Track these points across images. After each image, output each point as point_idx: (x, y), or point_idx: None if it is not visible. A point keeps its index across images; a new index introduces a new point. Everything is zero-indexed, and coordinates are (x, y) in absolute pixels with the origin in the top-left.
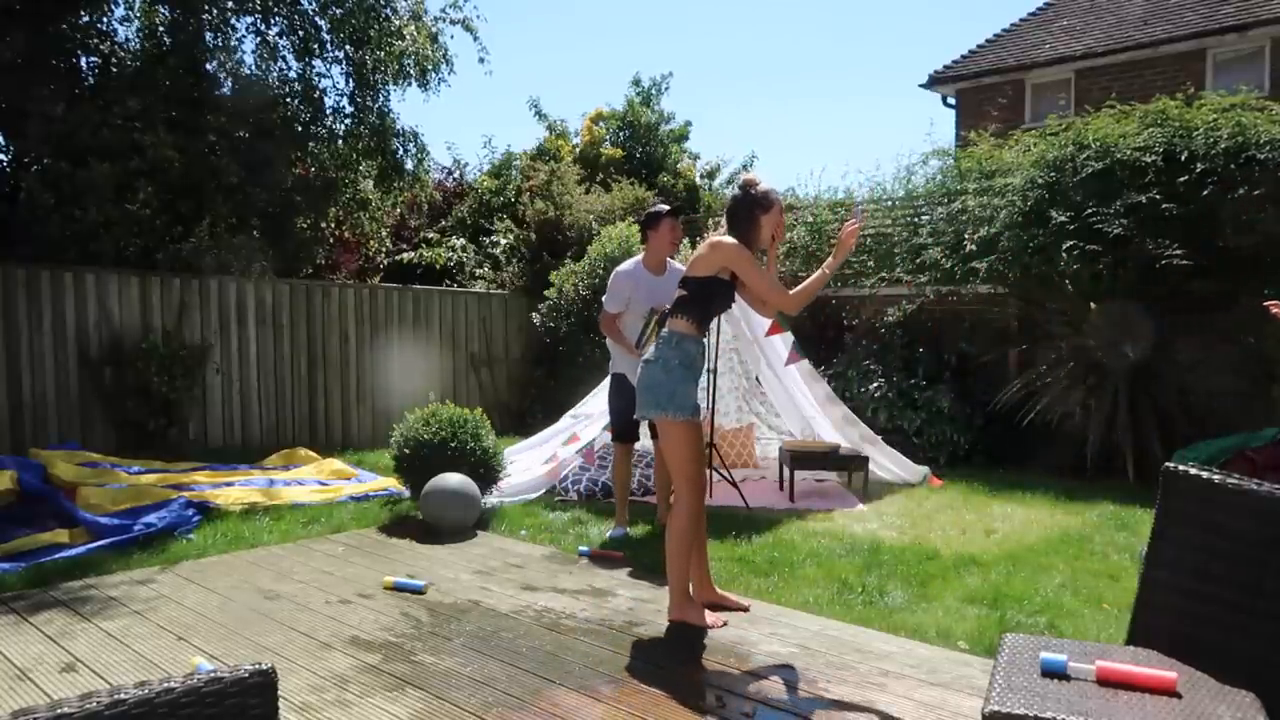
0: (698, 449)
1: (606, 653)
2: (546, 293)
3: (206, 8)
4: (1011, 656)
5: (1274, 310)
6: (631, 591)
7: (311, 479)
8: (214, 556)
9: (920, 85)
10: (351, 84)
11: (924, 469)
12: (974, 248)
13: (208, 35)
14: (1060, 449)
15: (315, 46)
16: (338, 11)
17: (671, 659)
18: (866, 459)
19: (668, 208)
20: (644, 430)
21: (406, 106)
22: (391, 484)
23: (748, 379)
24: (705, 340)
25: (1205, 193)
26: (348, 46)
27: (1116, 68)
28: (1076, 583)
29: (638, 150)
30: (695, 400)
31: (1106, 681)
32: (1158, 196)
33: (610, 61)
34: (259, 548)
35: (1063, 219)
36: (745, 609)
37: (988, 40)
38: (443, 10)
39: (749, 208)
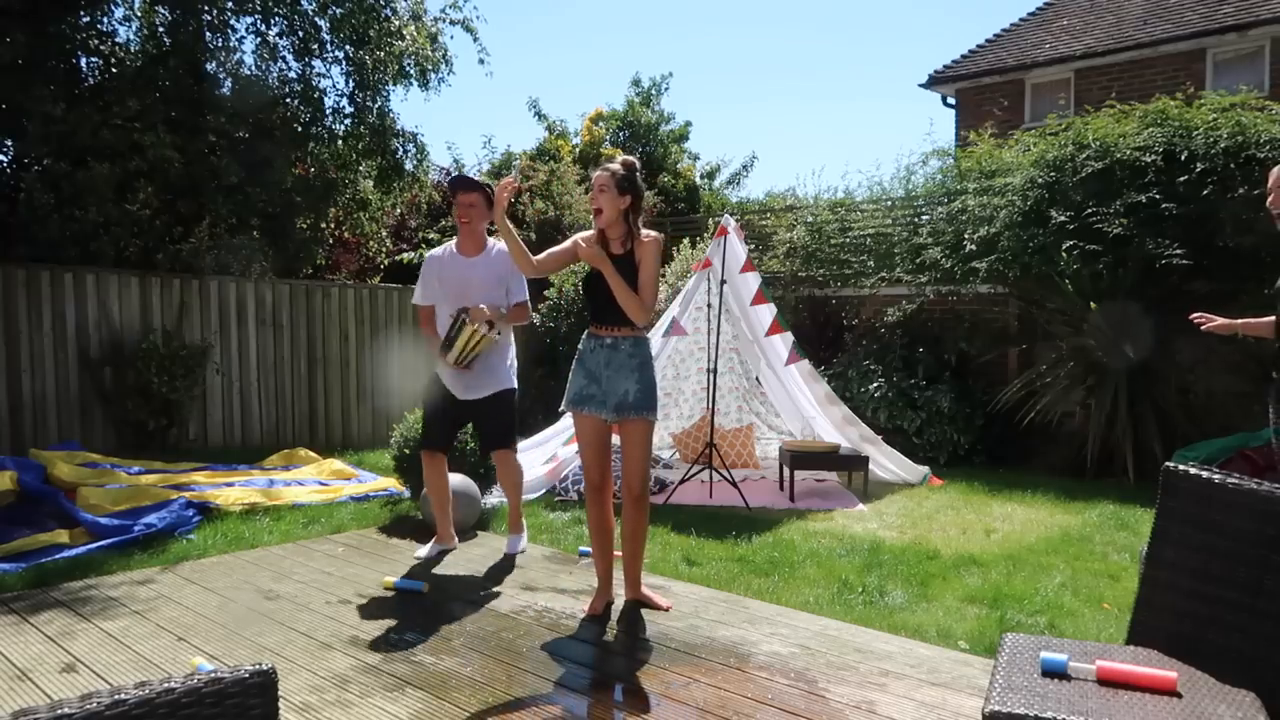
0: (581, 440)
1: (607, 653)
2: (546, 293)
3: (206, 8)
4: (1012, 656)
5: (1200, 324)
6: None
7: (311, 479)
8: (214, 557)
9: (920, 85)
10: (351, 84)
11: (924, 469)
12: (974, 248)
13: (208, 36)
14: (1060, 449)
15: (315, 46)
16: (337, 11)
17: (672, 659)
18: (866, 459)
19: (466, 177)
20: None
21: (407, 106)
22: (391, 484)
23: (748, 379)
24: (608, 336)
25: (1205, 192)
26: (348, 47)
27: (1116, 68)
28: (1076, 583)
29: (638, 150)
30: (573, 392)
31: (1106, 681)
32: (1158, 196)
33: (610, 61)
34: (259, 548)
35: (1063, 219)
36: (666, 609)
37: (988, 40)
38: (443, 10)
39: None
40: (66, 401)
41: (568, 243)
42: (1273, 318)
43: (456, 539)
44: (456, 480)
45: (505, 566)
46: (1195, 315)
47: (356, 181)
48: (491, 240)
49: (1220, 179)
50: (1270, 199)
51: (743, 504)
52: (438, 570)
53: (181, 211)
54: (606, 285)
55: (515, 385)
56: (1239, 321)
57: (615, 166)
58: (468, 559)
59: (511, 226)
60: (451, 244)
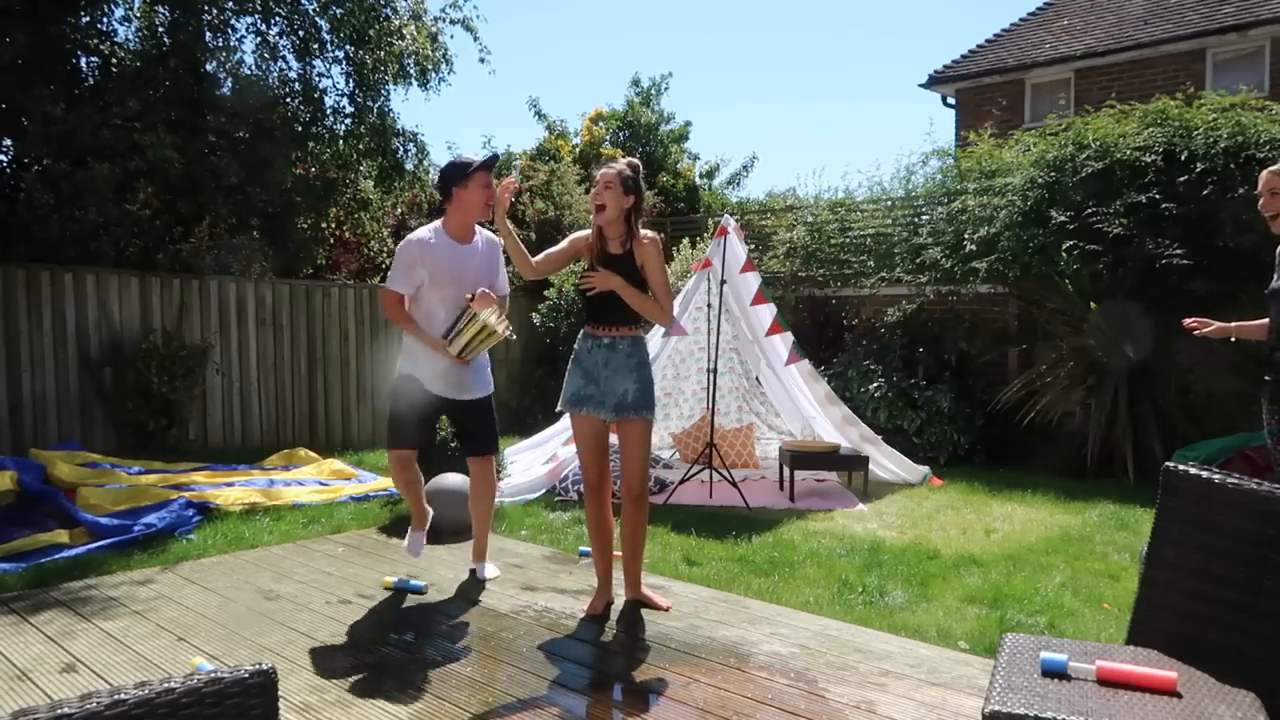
0: (579, 440)
1: (607, 653)
2: (546, 293)
3: (206, 8)
4: (1012, 656)
5: (1193, 329)
6: None
7: (311, 479)
8: (214, 556)
9: (920, 85)
10: (351, 84)
11: (924, 469)
12: (974, 248)
13: (208, 35)
14: (1060, 449)
15: (315, 46)
16: (338, 11)
17: (672, 659)
18: (866, 459)
19: (479, 159)
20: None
21: (407, 106)
22: (391, 484)
23: (748, 379)
24: (606, 336)
25: (1205, 192)
26: (348, 46)
27: (1116, 67)
28: (1076, 583)
29: (638, 150)
30: (571, 393)
31: (1106, 681)
32: (1158, 196)
33: (610, 61)
34: (259, 548)
35: (1063, 219)
36: (666, 609)
37: (988, 40)
38: (443, 10)
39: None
40: (66, 401)
41: (565, 243)
42: (1266, 320)
43: (430, 510)
44: (456, 480)
45: (505, 567)
46: (1188, 321)
47: (357, 181)
48: (477, 227)
49: (1220, 179)
50: (1261, 202)
51: (743, 504)
52: (438, 570)
53: (181, 211)
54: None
55: (491, 391)
56: (1233, 325)
57: (621, 165)
58: (467, 559)
59: (512, 227)
60: (437, 227)
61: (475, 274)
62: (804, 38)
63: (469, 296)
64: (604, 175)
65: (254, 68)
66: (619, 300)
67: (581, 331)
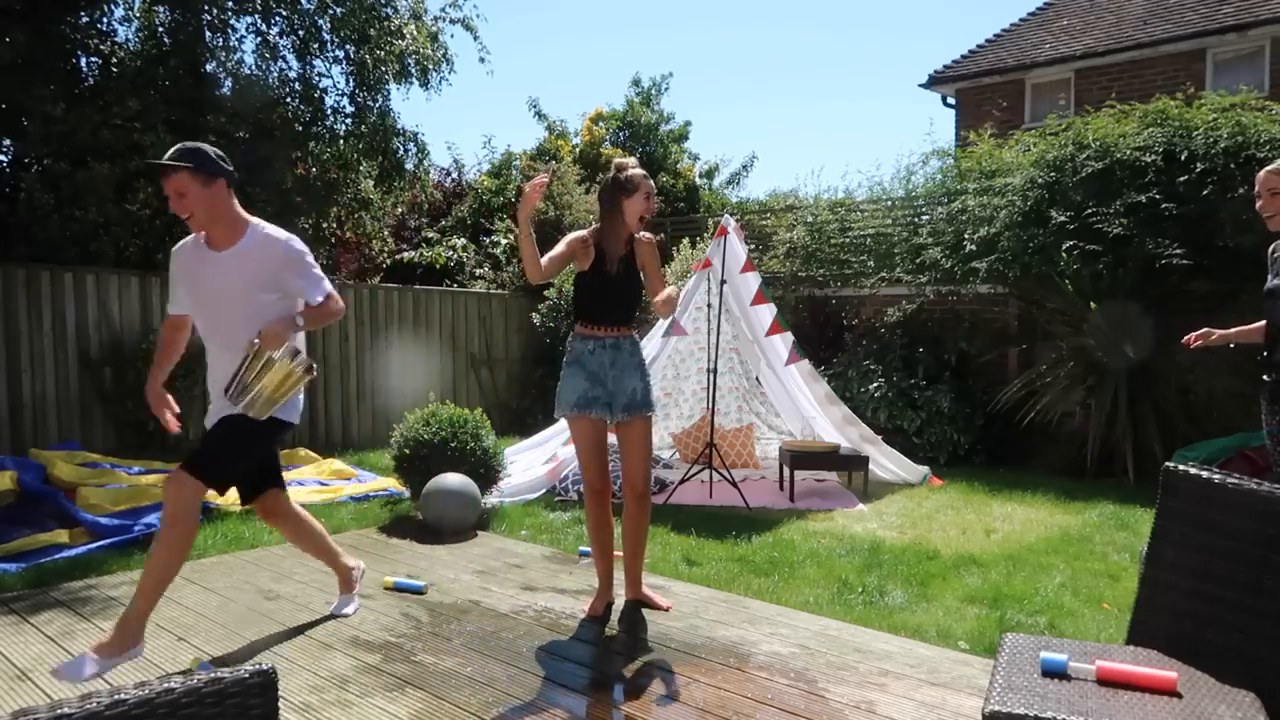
0: (581, 444)
1: (607, 653)
2: (546, 293)
3: (206, 8)
4: (1011, 656)
5: (1193, 343)
6: None
7: (312, 479)
8: (214, 556)
9: (920, 85)
10: (352, 84)
11: (924, 469)
12: (974, 248)
13: (208, 35)
14: (1060, 449)
15: (315, 46)
16: (338, 11)
17: (672, 659)
18: (866, 459)
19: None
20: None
21: (408, 106)
22: (391, 484)
23: (748, 379)
24: (609, 337)
25: (1205, 192)
26: (348, 46)
27: (1116, 68)
28: (1076, 583)
29: (638, 150)
30: (575, 396)
31: (1106, 681)
32: (1158, 196)
33: (610, 61)
34: (259, 548)
35: (1063, 219)
36: (666, 609)
37: (987, 40)
38: (443, 10)
39: (613, 191)
40: (66, 401)
41: (562, 246)
42: (1263, 323)
43: (356, 566)
44: (456, 480)
45: (505, 567)
46: (1189, 337)
47: (357, 181)
48: (255, 223)
49: (1220, 179)
50: (1259, 203)
51: (743, 504)
52: (438, 570)
53: None
54: (609, 286)
55: (292, 421)
56: (1232, 332)
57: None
58: (468, 559)
59: (530, 230)
60: (198, 236)
61: (235, 290)
62: (804, 38)
63: (254, 340)
64: (652, 187)
65: (254, 68)
66: (624, 301)
67: (574, 334)
